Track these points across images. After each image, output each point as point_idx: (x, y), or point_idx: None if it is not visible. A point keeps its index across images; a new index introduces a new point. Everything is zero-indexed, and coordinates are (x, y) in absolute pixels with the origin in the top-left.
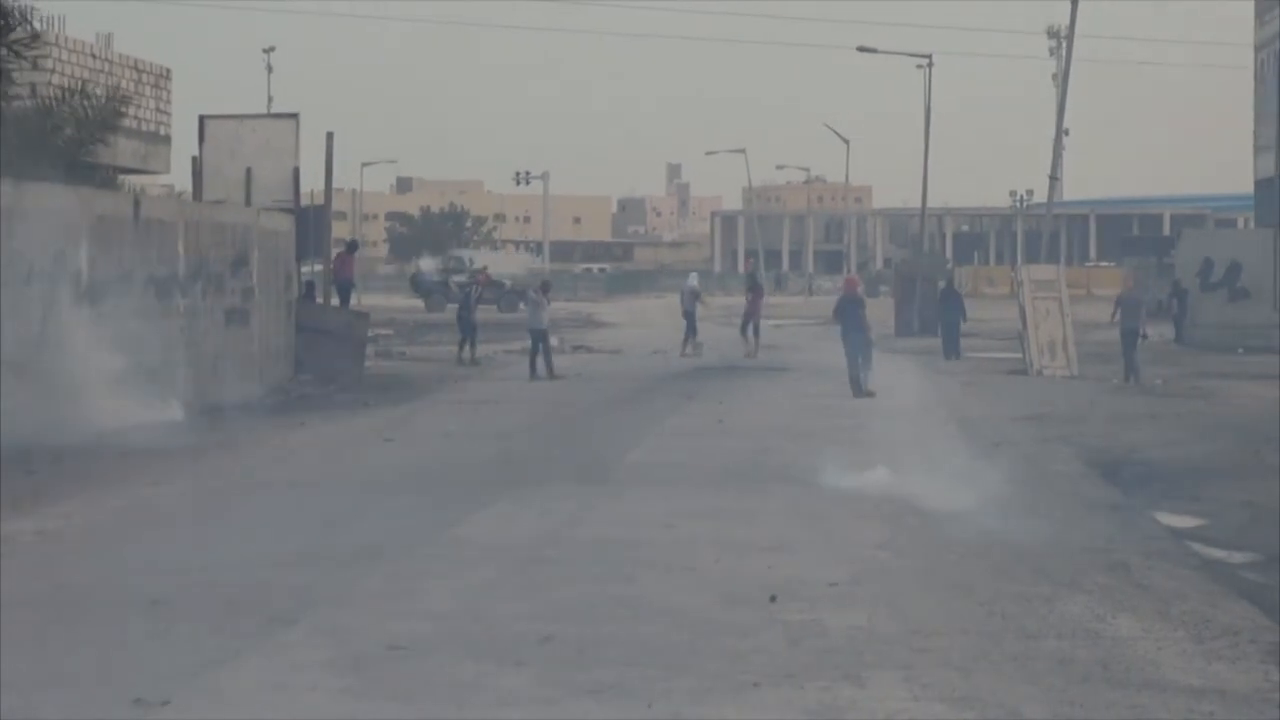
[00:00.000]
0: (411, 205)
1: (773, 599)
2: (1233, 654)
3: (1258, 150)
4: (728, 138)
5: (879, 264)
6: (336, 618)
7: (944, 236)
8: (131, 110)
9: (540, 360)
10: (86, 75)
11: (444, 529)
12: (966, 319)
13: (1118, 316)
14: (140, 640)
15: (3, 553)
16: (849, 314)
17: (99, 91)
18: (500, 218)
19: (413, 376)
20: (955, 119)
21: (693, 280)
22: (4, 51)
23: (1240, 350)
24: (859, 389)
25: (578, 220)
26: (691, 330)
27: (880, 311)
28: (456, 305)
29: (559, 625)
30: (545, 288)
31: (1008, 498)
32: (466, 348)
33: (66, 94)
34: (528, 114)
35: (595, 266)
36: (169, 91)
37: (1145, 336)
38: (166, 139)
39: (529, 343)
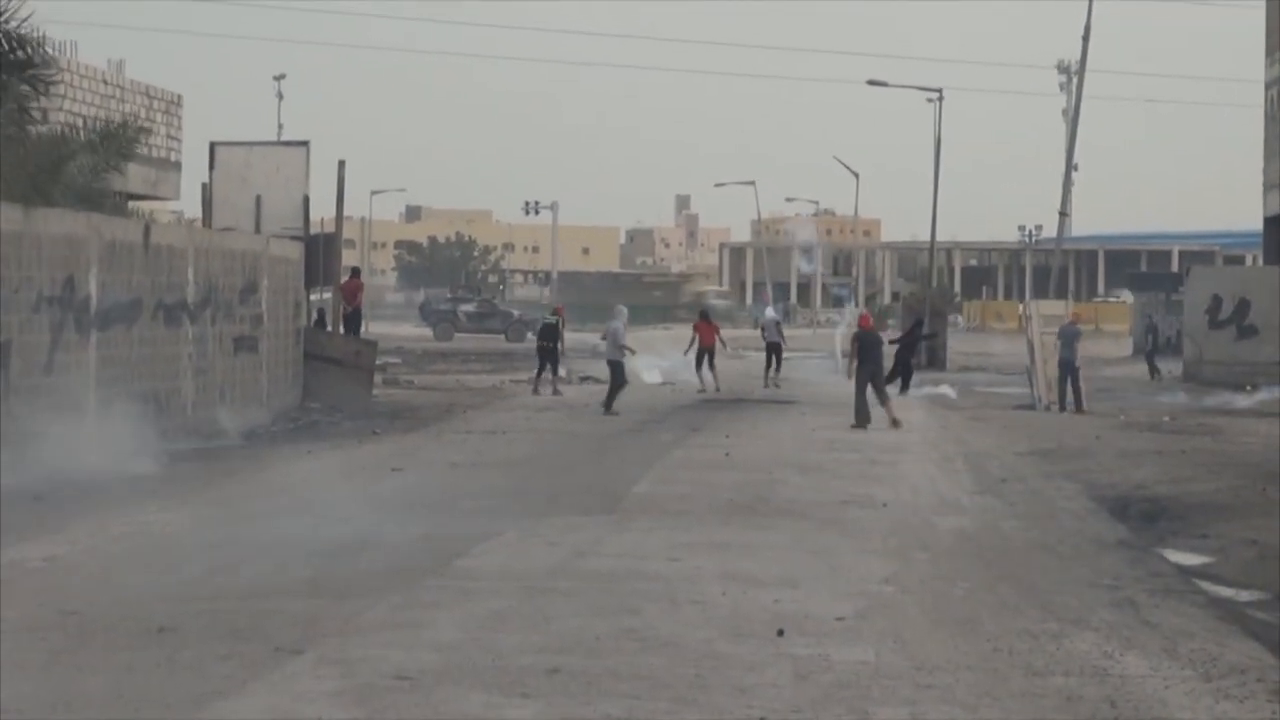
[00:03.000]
0: (420, 234)
1: (780, 633)
2: (1240, 693)
3: (1267, 187)
4: (737, 170)
5: (887, 298)
6: (343, 647)
7: (952, 270)
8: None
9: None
10: (98, 101)
11: (451, 559)
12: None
13: (1057, 347)
14: (147, 668)
15: (9, 579)
16: (869, 349)
17: (117, 120)
18: (509, 247)
19: (421, 405)
20: (965, 153)
21: (771, 311)
22: (24, 87)
23: (1248, 387)
24: (865, 419)
25: (586, 251)
26: (776, 363)
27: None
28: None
29: (566, 657)
30: (619, 314)
31: (1014, 533)
32: (546, 376)
33: (84, 122)
34: (537, 144)
35: None
36: (180, 118)
37: (1077, 368)
38: (177, 165)
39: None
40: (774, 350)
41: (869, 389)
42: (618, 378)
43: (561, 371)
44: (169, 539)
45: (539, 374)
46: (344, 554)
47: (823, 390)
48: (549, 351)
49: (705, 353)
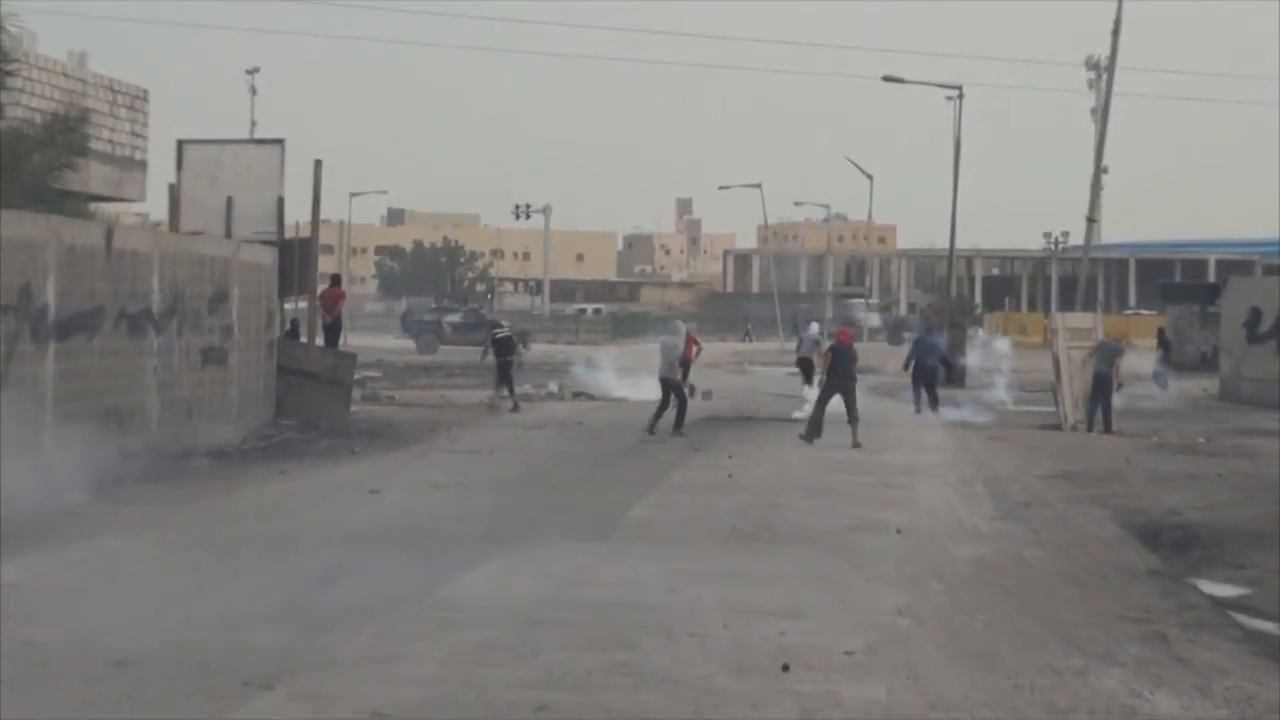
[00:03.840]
0: (403, 239)
1: (785, 668)
2: None
3: None
4: (743, 171)
5: (903, 308)
6: (317, 683)
7: (973, 280)
8: (106, 134)
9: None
10: (59, 96)
11: (433, 588)
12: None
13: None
14: (105, 704)
15: None
16: (841, 362)
17: (69, 113)
18: (498, 253)
19: (402, 423)
20: (986, 155)
21: (814, 329)
22: None
23: None
24: (816, 432)
25: (580, 258)
26: (809, 380)
27: (903, 360)
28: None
29: (555, 694)
30: (675, 329)
31: (1037, 562)
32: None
33: (40, 116)
34: (529, 143)
35: (590, 307)
36: (146, 114)
37: (1120, 386)
38: (142, 165)
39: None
40: (804, 368)
41: (837, 404)
42: (669, 397)
43: (527, 387)
44: (131, 566)
45: (498, 387)
46: (318, 582)
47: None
48: (505, 366)
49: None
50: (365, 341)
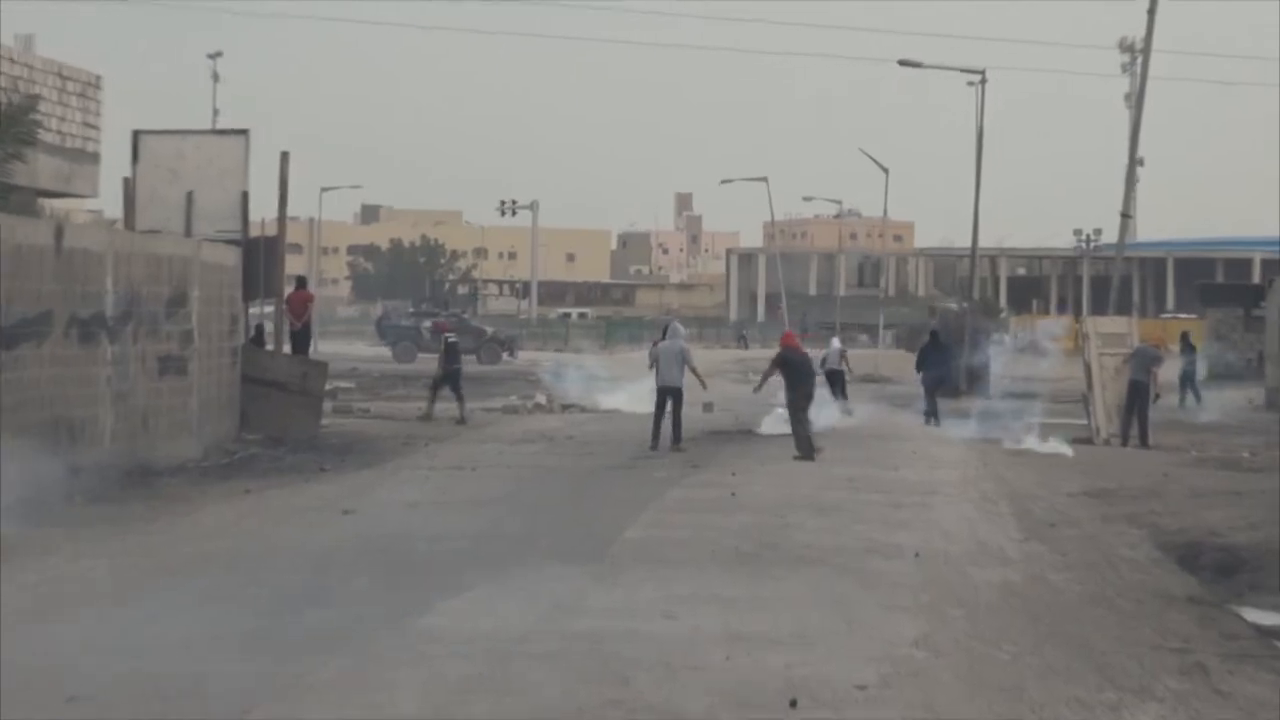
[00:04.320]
0: (379, 237)
1: (793, 704)
2: None
3: None
4: (747, 164)
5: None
6: (286, 717)
7: (998, 281)
8: (55, 124)
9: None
10: (3, 82)
11: (411, 616)
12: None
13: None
14: None
15: None
16: (796, 370)
17: (14, 101)
18: (481, 253)
19: (377, 437)
20: (1012, 146)
21: (837, 341)
22: None
23: None
24: (809, 448)
25: (571, 258)
26: (841, 394)
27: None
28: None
29: None
30: (674, 332)
31: (1066, 586)
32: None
33: None
34: (515, 133)
35: (575, 311)
36: (98, 102)
37: (1158, 397)
38: (95, 157)
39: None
40: (837, 379)
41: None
42: (664, 406)
43: (513, 398)
44: (84, 591)
45: (434, 398)
46: (287, 609)
47: (845, 420)
48: (454, 375)
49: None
50: (337, 349)
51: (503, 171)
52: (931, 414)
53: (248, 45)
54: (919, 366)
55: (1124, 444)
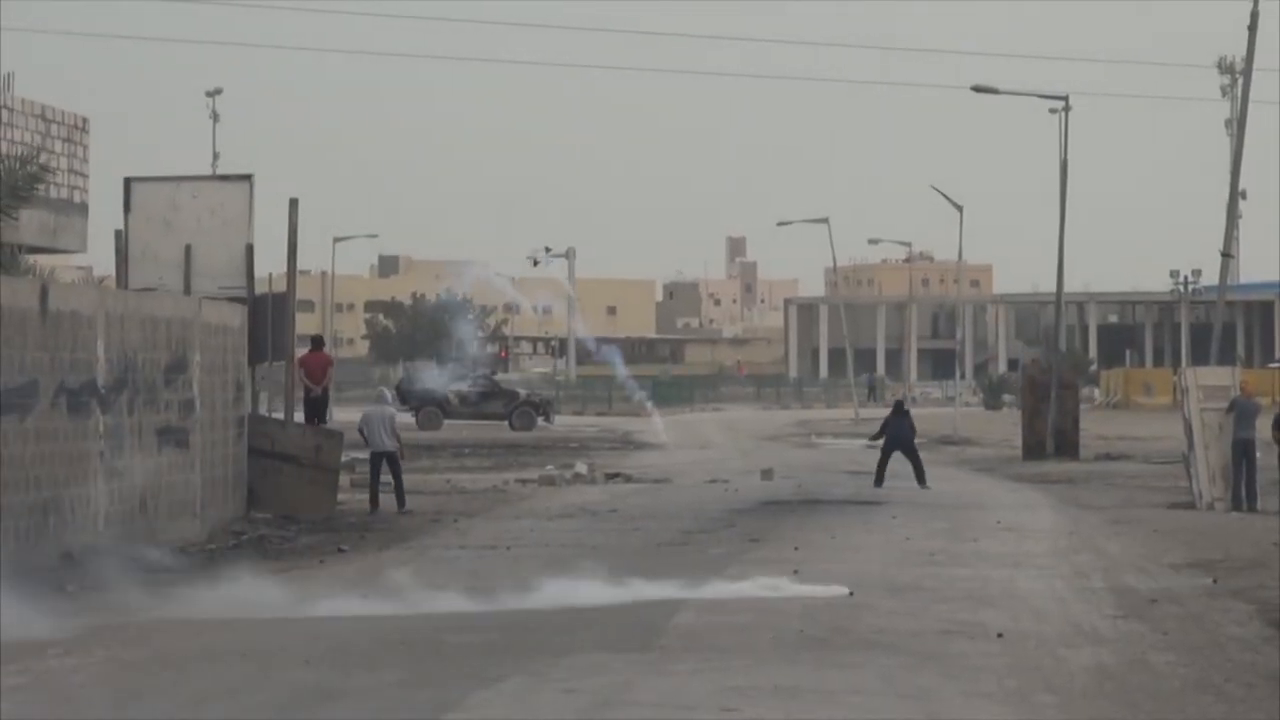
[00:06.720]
0: (398, 291)
1: None
2: None
3: None
4: (805, 205)
5: (1002, 366)
6: None
7: (1086, 330)
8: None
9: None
10: None
11: (439, 712)
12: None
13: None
14: None
15: None
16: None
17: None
18: (512, 309)
19: (400, 514)
20: (1100, 179)
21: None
22: None
23: None
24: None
25: (613, 310)
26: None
27: (1004, 428)
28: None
29: None
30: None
31: (1168, 669)
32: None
33: None
34: (547, 175)
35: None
36: (85, 147)
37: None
38: (83, 208)
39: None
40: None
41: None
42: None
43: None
44: (78, 690)
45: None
46: (302, 705)
47: (917, 488)
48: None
49: None
50: (354, 416)
51: (535, 217)
52: (879, 481)
53: (249, 82)
54: (880, 434)
55: (1232, 509)
